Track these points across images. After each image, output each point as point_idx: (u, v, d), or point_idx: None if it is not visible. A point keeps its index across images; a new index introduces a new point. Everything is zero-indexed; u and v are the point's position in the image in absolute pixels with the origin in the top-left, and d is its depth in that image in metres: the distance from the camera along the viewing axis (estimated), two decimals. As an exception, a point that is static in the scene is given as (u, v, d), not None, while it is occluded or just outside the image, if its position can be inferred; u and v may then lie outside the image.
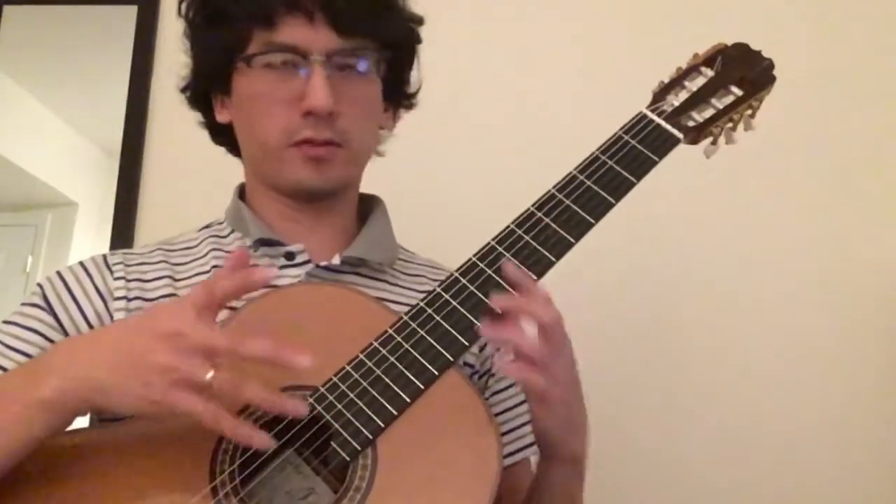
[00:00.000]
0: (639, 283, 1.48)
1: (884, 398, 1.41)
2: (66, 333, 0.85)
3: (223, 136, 0.99)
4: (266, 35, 0.87)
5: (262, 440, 0.68)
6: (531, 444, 0.97)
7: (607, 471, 1.36)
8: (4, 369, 0.81)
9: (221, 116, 0.96)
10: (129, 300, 0.87)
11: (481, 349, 0.98)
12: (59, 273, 0.89)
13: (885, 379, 1.41)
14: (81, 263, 0.91)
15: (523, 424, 0.98)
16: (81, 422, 0.74)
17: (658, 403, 1.44)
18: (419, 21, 0.97)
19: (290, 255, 0.91)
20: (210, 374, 0.66)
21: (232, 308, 0.84)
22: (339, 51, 0.87)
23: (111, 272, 0.89)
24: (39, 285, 0.89)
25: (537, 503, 0.87)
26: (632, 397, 1.43)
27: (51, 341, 0.84)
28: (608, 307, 1.46)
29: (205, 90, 0.96)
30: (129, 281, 0.88)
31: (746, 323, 1.46)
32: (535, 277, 0.81)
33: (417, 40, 0.98)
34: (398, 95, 1.00)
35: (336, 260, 0.91)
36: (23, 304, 0.88)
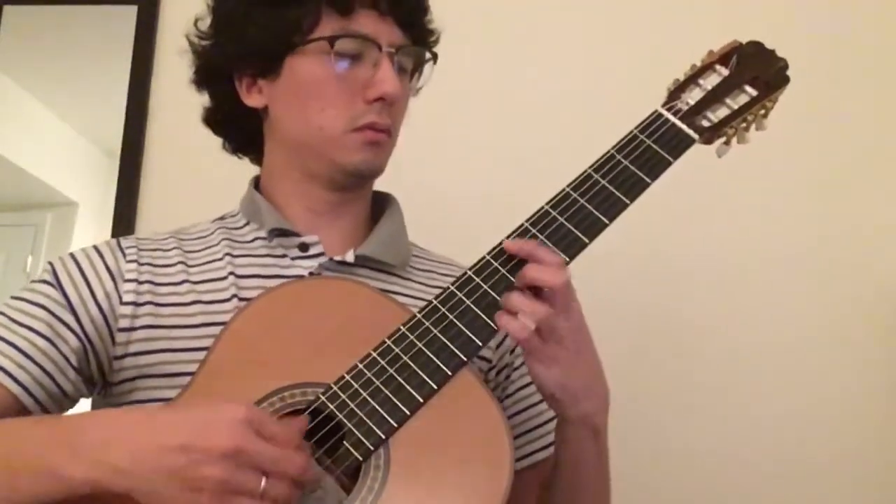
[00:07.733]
0: (641, 284, 1.47)
1: (889, 397, 1.40)
2: (73, 311, 0.84)
3: (234, 123, 0.97)
4: (340, 21, 0.88)
5: None
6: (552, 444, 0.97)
7: (613, 472, 1.36)
8: (8, 342, 0.82)
9: (252, 100, 0.94)
10: (140, 283, 0.88)
11: (499, 345, 0.97)
12: (71, 254, 0.90)
13: (890, 378, 1.41)
14: (95, 246, 0.91)
15: (546, 422, 0.97)
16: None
17: (661, 404, 1.43)
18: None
19: (304, 247, 0.92)
20: (263, 483, 0.64)
21: (246, 299, 0.86)
22: (403, 46, 0.92)
23: (124, 255, 0.90)
24: (51, 263, 0.89)
25: (556, 472, 0.87)
26: (635, 399, 1.41)
27: (57, 317, 0.84)
28: (612, 309, 1.44)
29: (230, 72, 0.94)
30: (141, 264, 0.89)
31: (750, 323, 1.45)
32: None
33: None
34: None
35: (350, 257, 0.92)
36: (33, 281, 0.88)
